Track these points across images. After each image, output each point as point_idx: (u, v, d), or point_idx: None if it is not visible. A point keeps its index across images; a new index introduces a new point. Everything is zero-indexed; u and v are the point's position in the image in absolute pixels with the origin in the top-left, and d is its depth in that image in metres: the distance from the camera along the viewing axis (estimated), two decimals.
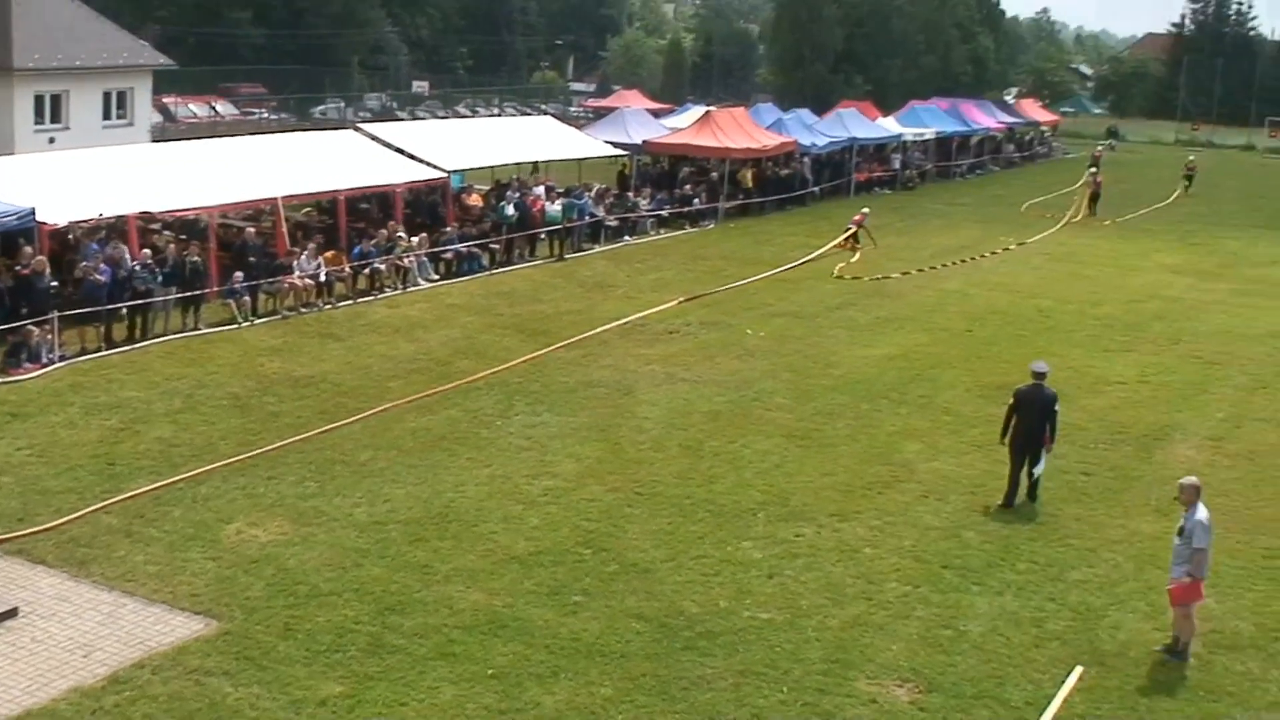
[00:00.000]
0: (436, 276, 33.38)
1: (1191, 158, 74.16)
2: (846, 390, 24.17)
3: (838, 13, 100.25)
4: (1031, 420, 18.11)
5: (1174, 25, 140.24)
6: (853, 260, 38.84)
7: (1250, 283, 38.42)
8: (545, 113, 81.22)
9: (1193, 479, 14.50)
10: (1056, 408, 18.37)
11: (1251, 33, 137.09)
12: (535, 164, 44.71)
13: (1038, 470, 18.35)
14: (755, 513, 17.62)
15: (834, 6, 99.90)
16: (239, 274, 27.61)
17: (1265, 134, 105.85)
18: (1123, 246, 44.60)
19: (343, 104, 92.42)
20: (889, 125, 64.17)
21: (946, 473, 19.66)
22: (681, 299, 31.64)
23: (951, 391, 24.42)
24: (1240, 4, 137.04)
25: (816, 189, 53.82)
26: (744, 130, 50.25)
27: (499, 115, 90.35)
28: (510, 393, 22.99)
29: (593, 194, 40.97)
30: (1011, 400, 18.46)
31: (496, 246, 36.13)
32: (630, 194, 44.64)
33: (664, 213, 44.45)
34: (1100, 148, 78.17)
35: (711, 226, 45.19)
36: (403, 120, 73.94)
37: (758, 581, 15.46)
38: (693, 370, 25.06)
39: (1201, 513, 14.01)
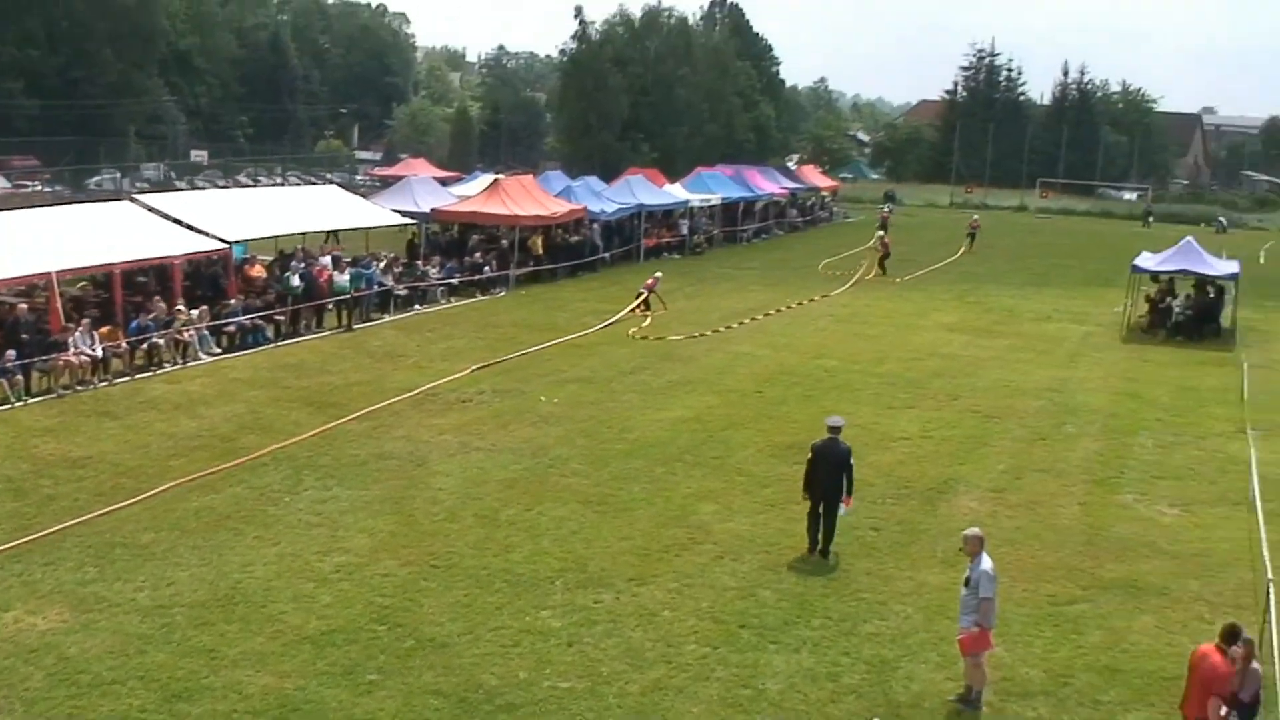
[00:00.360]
0: (219, 350, 32.55)
1: (975, 216, 78.33)
2: (641, 454, 24.24)
3: (623, 82, 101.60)
4: (828, 473, 18.63)
5: (947, 92, 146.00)
6: (644, 325, 39.14)
7: (1024, 338, 39.81)
8: (330, 181, 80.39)
9: (976, 530, 14.87)
10: (851, 461, 18.88)
11: (1021, 98, 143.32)
12: (332, 233, 44.15)
13: (842, 512, 18.82)
14: (553, 580, 17.49)
15: (619, 76, 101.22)
16: (11, 352, 26.58)
17: (1036, 195, 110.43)
18: (903, 306, 45.84)
19: (119, 175, 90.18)
20: (676, 191, 65.14)
21: (742, 533, 19.81)
22: (473, 367, 31.42)
23: (744, 452, 24.68)
24: (1009, 71, 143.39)
25: (607, 255, 54.25)
26: (533, 197, 50.39)
27: (282, 184, 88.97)
28: (298, 468, 22.48)
29: (381, 263, 40.47)
30: (809, 455, 18.97)
31: (281, 318, 35.47)
32: (419, 263, 44.28)
33: (454, 281, 44.21)
34: (888, 209, 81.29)
35: (503, 294, 45.11)
36: (182, 190, 72.39)
37: (557, 650, 15.32)
38: (487, 439, 24.85)
39: (986, 563, 14.34)
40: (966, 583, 14.49)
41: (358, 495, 21.01)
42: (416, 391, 28.57)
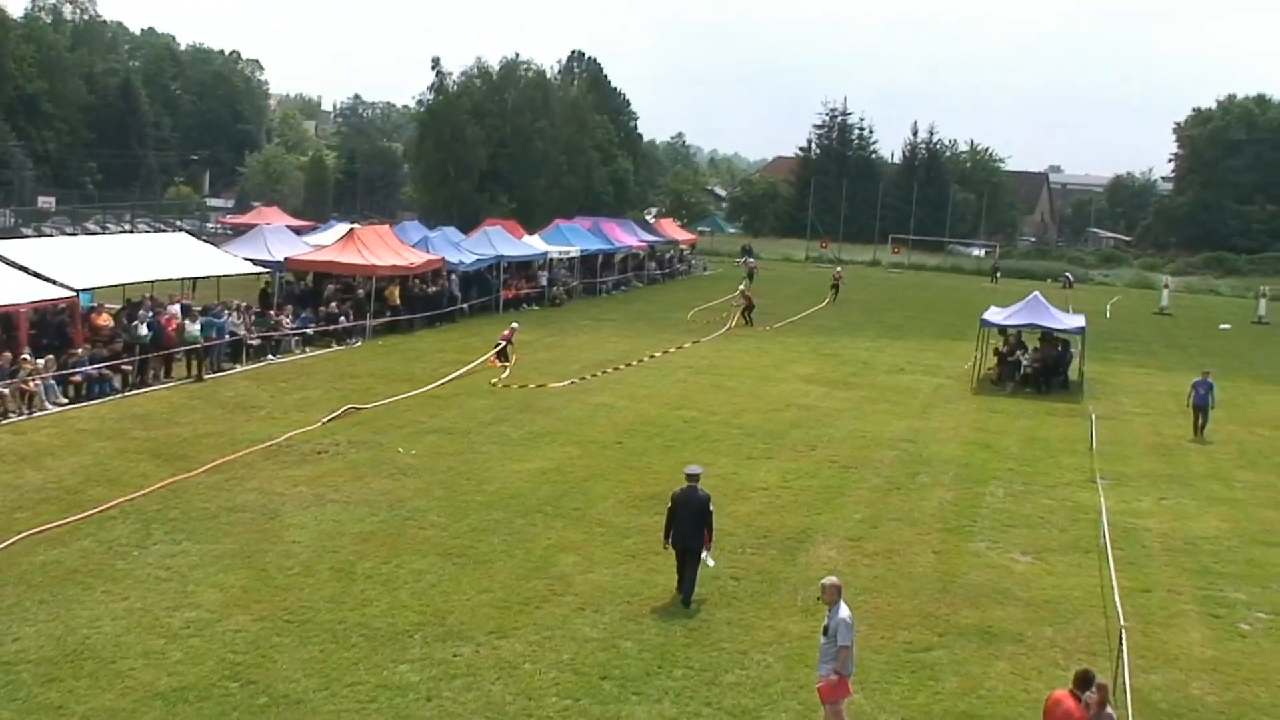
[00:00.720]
0: (65, 400, 31.64)
1: (838, 269, 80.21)
2: (501, 506, 24.03)
3: (481, 133, 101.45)
4: (688, 521, 18.86)
5: (801, 149, 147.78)
6: (504, 376, 38.96)
7: (879, 390, 40.39)
8: (180, 229, 78.90)
9: (834, 579, 14.98)
10: (711, 508, 19.10)
11: (873, 156, 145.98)
12: (193, 280, 43.30)
13: (705, 562, 19.07)
14: (411, 634, 17.20)
15: (477, 127, 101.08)
16: None
17: (889, 250, 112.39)
18: (761, 359, 46.25)
19: None
20: (535, 243, 65.20)
21: (602, 584, 19.70)
22: (327, 418, 30.94)
23: (605, 503, 24.60)
24: (861, 130, 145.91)
25: (465, 306, 54.00)
26: (389, 247, 50.01)
27: (131, 232, 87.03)
28: (147, 521, 21.88)
29: (233, 312, 39.74)
30: (670, 504, 19.10)
31: (129, 368, 34.62)
32: (273, 312, 43.57)
33: (309, 331, 43.59)
34: (753, 261, 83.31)
35: (359, 344, 44.59)
36: (28, 237, 70.46)
37: (416, 705, 15.05)
38: (343, 491, 24.45)
39: (844, 611, 14.43)
40: (825, 631, 14.59)
41: (208, 549, 20.49)
42: (270, 443, 28.04)
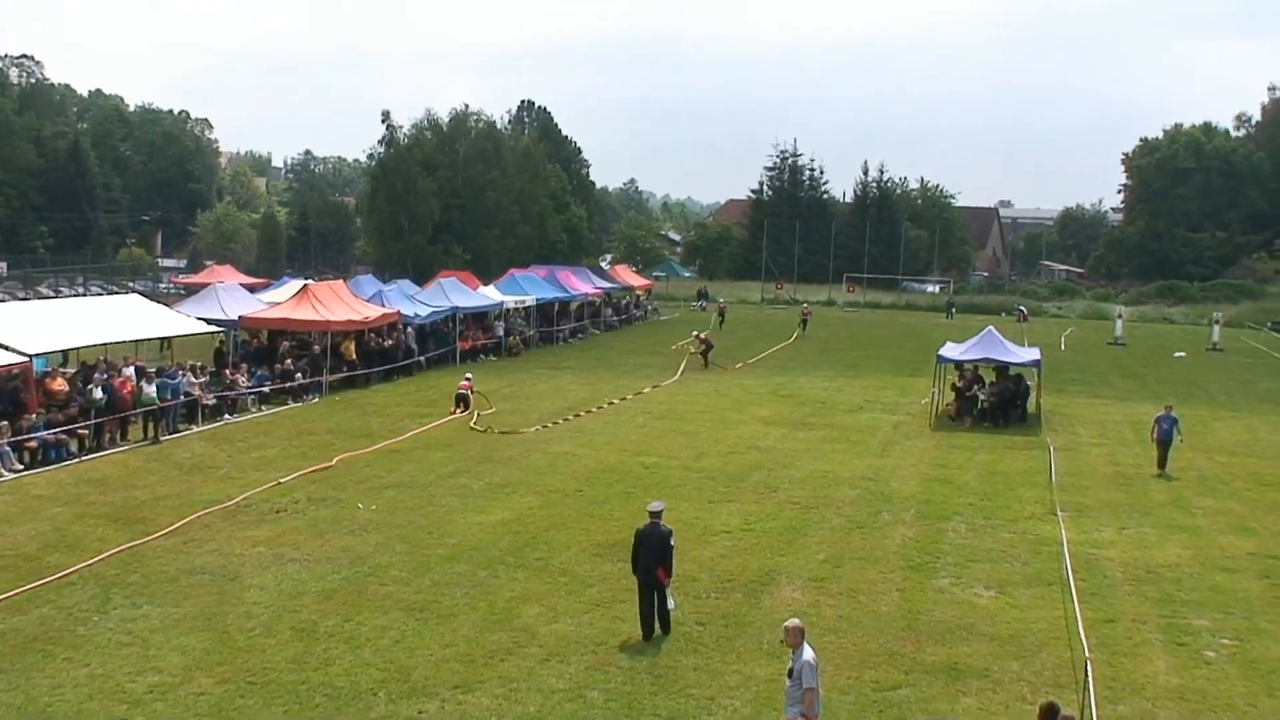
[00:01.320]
0: (20, 467, 31.30)
1: (806, 304, 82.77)
2: (463, 558, 23.90)
3: (433, 185, 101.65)
4: (651, 556, 19.45)
5: (753, 191, 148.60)
6: (472, 423, 39.01)
7: (838, 429, 40.47)
8: (133, 290, 78.50)
9: (796, 621, 15.00)
10: (673, 542, 19.68)
11: (825, 195, 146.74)
12: (165, 339, 43.02)
13: (669, 605, 19.46)
14: (375, 692, 17.05)
15: (429, 179, 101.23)
16: None
17: (843, 289, 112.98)
18: (719, 401, 46.28)
19: None
20: (490, 293, 65.18)
21: (567, 634, 19.60)
22: (284, 477, 30.73)
23: (567, 552, 24.51)
24: (812, 170, 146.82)
25: (422, 358, 53.88)
26: (344, 302, 49.89)
27: (84, 295, 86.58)
28: (107, 586, 21.64)
29: (188, 372, 39.48)
30: (634, 539, 19.85)
31: (85, 432, 34.32)
32: (228, 371, 43.31)
33: (265, 389, 43.34)
34: (723, 302, 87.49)
35: (316, 401, 44.37)
36: None
37: None
38: (302, 549, 24.26)
39: (808, 653, 14.42)
40: (790, 674, 14.57)
41: (169, 612, 20.28)
42: (228, 503, 27.82)
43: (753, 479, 32.22)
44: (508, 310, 64.90)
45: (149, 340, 43.33)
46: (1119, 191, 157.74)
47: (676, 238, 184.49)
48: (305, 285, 52.86)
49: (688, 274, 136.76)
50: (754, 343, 69.48)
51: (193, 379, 39.32)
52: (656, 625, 19.54)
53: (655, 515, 19.96)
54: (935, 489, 31.55)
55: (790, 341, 70.55)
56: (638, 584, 19.65)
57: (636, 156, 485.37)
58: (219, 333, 47.00)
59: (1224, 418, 45.79)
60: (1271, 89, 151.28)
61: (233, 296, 52.37)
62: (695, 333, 62.65)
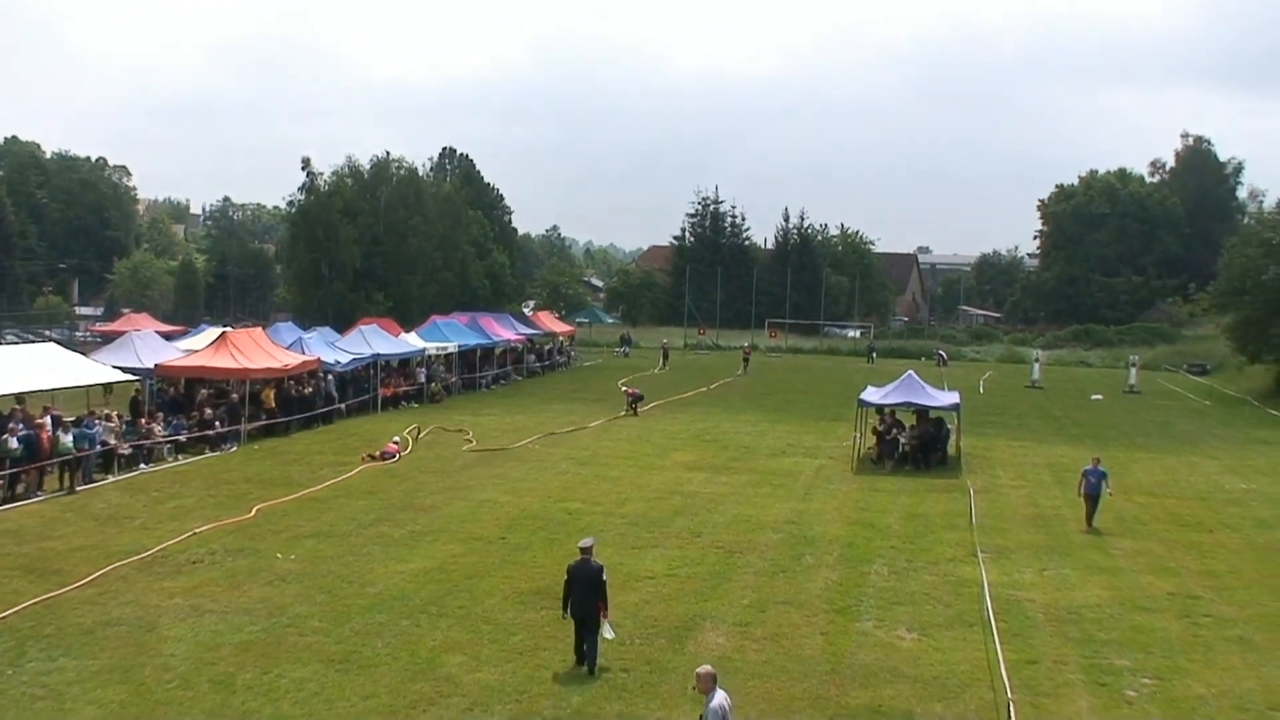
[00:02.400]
0: None
1: (747, 344, 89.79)
2: (384, 608, 23.63)
3: (354, 232, 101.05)
4: (584, 591, 20.14)
5: (675, 238, 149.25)
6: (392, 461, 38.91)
7: (761, 473, 40.57)
8: (49, 339, 77.30)
9: (706, 668, 15.13)
10: (604, 578, 20.41)
11: (746, 242, 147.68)
12: (107, 386, 42.26)
13: (603, 635, 20.04)
14: None
15: (350, 226, 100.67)
16: None
17: (766, 334, 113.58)
18: (642, 447, 46.27)
19: None
20: (412, 340, 64.83)
21: (490, 683, 19.42)
22: (200, 527, 30.30)
23: (490, 600, 24.32)
24: (733, 217, 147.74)
25: (342, 406, 53.46)
26: (263, 350, 49.39)
27: None
28: (21, 639, 21.18)
29: (103, 421, 38.86)
30: (566, 576, 20.47)
31: (1, 482, 33.65)
32: (144, 420, 42.67)
33: (182, 438, 42.76)
34: (665, 341, 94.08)
35: (234, 449, 43.83)
36: None
37: None
38: (220, 601, 23.89)
39: (716, 699, 14.50)
40: None
41: (85, 665, 19.88)
42: (144, 554, 27.36)
43: (676, 524, 32.18)
44: (429, 357, 64.55)
45: (67, 389, 42.51)
46: (1035, 237, 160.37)
47: (599, 284, 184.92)
48: (223, 333, 52.26)
49: (610, 320, 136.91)
50: (676, 388, 69.79)
51: (112, 426, 38.73)
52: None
53: (586, 551, 20.53)
54: (858, 532, 31.68)
55: (729, 380, 75.33)
56: (574, 622, 20.25)
57: (559, 203, 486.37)
58: (135, 381, 46.32)
59: (1141, 459, 46.38)
60: (1185, 136, 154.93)
61: (149, 344, 51.69)
62: (622, 384, 62.61)
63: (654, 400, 61.36)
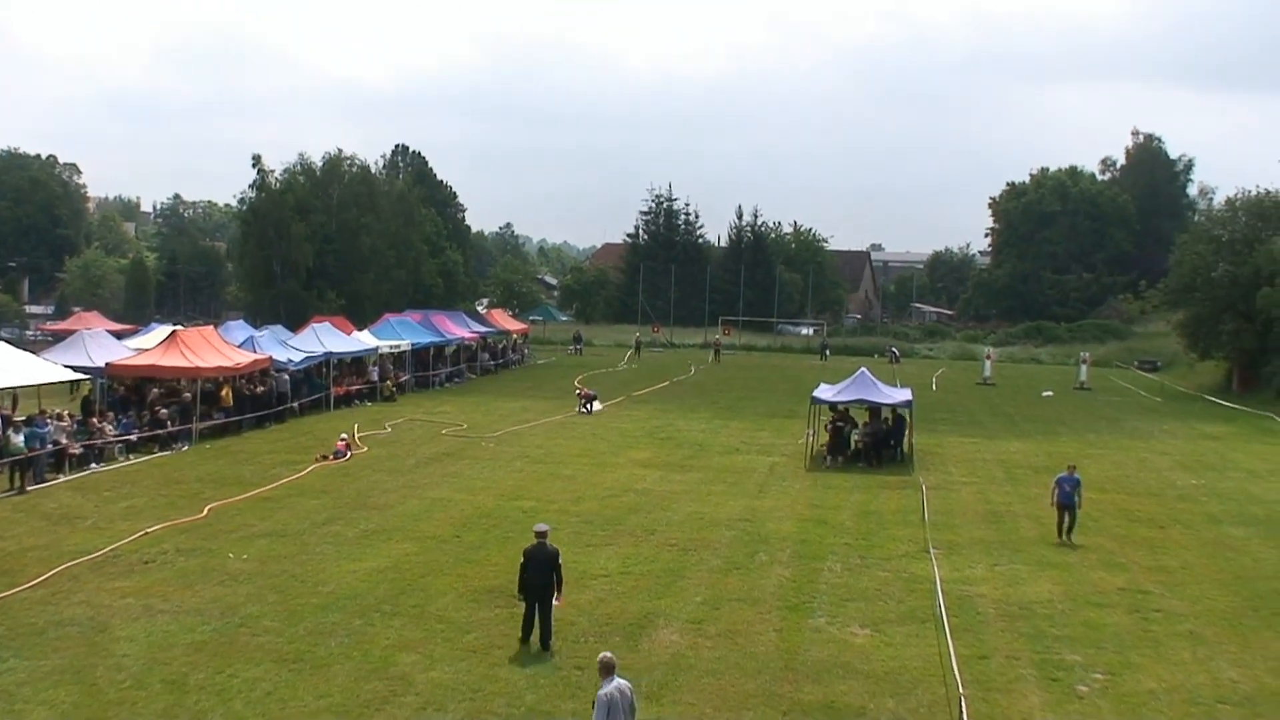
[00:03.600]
0: None
1: (718, 336, 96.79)
2: (337, 607, 23.56)
3: (306, 229, 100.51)
4: (539, 574, 21.05)
5: (629, 236, 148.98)
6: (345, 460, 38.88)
7: (715, 471, 40.69)
8: None
9: (605, 655, 15.67)
10: (560, 561, 21.36)
11: (700, 240, 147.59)
12: (72, 385, 41.89)
13: (551, 616, 20.98)
14: None
15: (301, 224, 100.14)
16: None
17: (720, 332, 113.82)
18: (597, 445, 46.30)
19: None
20: (365, 338, 64.57)
21: (444, 681, 19.40)
22: (152, 527, 30.11)
23: (444, 599, 24.29)
24: (688, 215, 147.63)
25: (295, 404, 53.19)
26: (214, 348, 49.06)
27: None
28: None
29: (55, 421, 38.55)
30: (522, 559, 21.28)
31: None
32: (95, 419, 42.34)
33: (133, 437, 42.46)
34: (639, 335, 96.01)
35: (186, 449, 43.56)
36: None
37: None
38: (172, 601, 23.75)
39: (608, 687, 15.07)
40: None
41: (36, 665, 19.73)
42: (95, 554, 27.17)
43: (630, 522, 32.24)
44: (382, 355, 64.35)
45: (16, 388, 42.12)
46: (987, 235, 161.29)
47: (553, 281, 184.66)
48: (174, 331, 51.86)
49: (564, 318, 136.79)
50: (629, 384, 69.92)
51: (63, 425, 38.44)
52: (537, 639, 21.02)
53: (541, 536, 21.43)
54: (811, 529, 31.83)
55: (705, 368, 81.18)
56: (527, 603, 21.14)
57: (513, 201, 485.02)
58: (86, 380, 45.97)
59: (1093, 455, 46.78)
60: (1135, 133, 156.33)
61: (99, 343, 51.26)
62: (578, 383, 62.50)
63: (609, 398, 61.45)
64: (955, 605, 24.46)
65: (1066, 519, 31.37)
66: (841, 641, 22.13)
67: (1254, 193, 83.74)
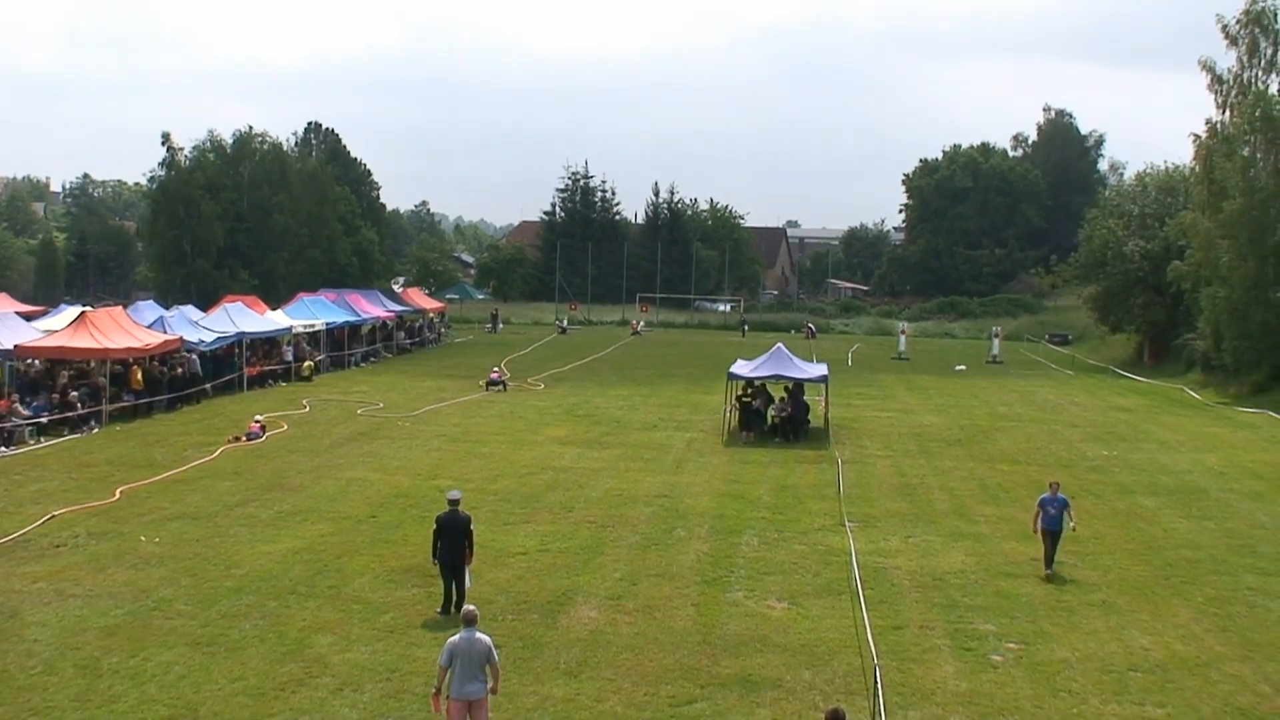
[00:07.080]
0: None
1: (636, 320, 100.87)
2: (251, 590, 23.34)
3: (217, 208, 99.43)
4: (453, 540, 21.67)
5: (545, 213, 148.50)
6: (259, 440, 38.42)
7: (633, 448, 40.75)
8: None
9: (469, 607, 16.74)
10: (472, 528, 22.16)
11: (617, 217, 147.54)
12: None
13: (467, 584, 21.64)
14: None
15: (212, 202, 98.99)
16: None
17: (637, 310, 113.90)
18: (514, 423, 46.18)
19: None
20: (278, 318, 63.84)
21: (361, 662, 19.28)
22: (64, 510, 29.65)
23: (360, 579, 24.14)
24: (604, 192, 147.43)
25: (208, 386, 52.55)
26: (124, 329, 48.32)
27: None
28: None
29: None
30: (435, 526, 21.98)
31: None
32: (3, 402, 41.59)
33: (43, 420, 41.76)
34: (564, 319, 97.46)
35: (97, 431, 42.92)
36: None
37: None
38: (83, 585, 23.41)
39: (459, 636, 15.92)
40: None
41: None
42: (4, 539, 26.71)
43: (548, 499, 32.21)
44: (297, 335, 63.72)
45: None
46: (900, 211, 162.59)
47: (470, 260, 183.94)
48: (83, 312, 51.00)
49: (481, 296, 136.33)
50: (548, 363, 69.89)
51: None
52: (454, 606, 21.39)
53: (454, 503, 22.12)
54: (728, 504, 31.98)
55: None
56: (439, 567, 21.83)
57: (428, 179, 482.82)
58: None
59: (1004, 428, 47.40)
60: (1046, 109, 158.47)
61: (7, 325, 50.30)
62: (495, 369, 62.03)
63: (529, 374, 61.29)
64: (870, 577, 24.69)
65: (1051, 547, 25.90)
66: (759, 615, 22.26)
67: (1163, 168, 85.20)
